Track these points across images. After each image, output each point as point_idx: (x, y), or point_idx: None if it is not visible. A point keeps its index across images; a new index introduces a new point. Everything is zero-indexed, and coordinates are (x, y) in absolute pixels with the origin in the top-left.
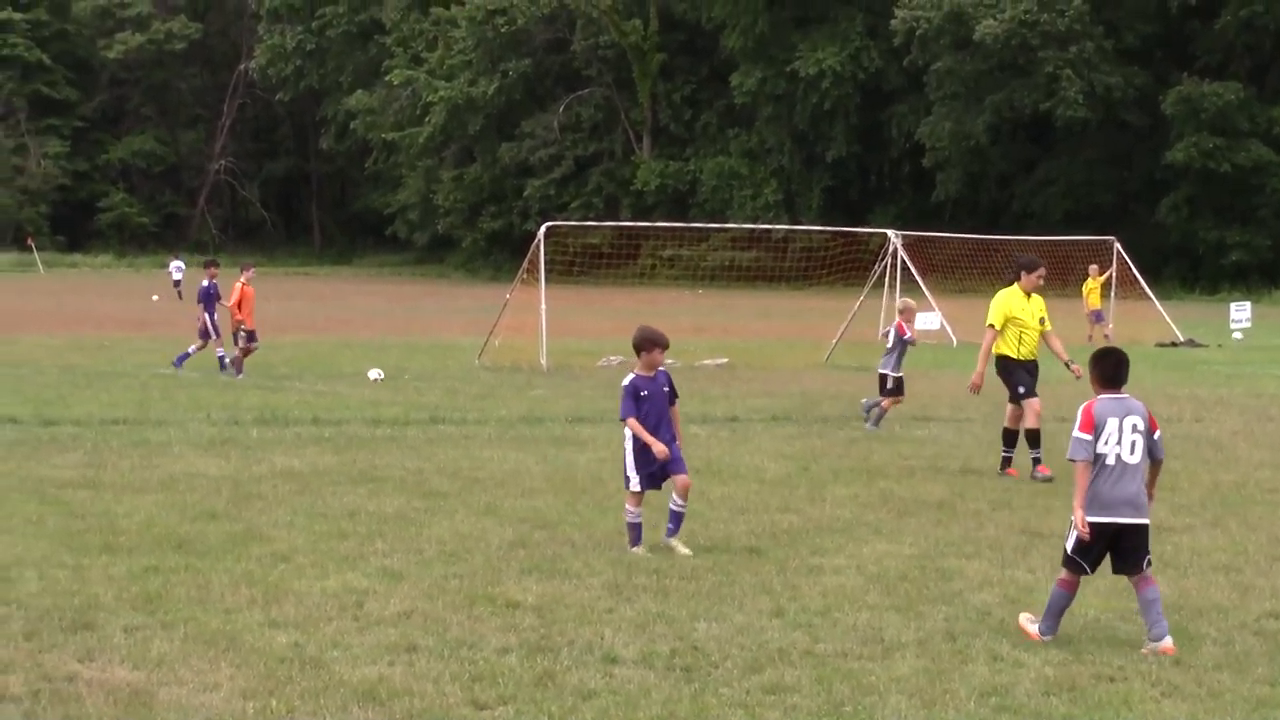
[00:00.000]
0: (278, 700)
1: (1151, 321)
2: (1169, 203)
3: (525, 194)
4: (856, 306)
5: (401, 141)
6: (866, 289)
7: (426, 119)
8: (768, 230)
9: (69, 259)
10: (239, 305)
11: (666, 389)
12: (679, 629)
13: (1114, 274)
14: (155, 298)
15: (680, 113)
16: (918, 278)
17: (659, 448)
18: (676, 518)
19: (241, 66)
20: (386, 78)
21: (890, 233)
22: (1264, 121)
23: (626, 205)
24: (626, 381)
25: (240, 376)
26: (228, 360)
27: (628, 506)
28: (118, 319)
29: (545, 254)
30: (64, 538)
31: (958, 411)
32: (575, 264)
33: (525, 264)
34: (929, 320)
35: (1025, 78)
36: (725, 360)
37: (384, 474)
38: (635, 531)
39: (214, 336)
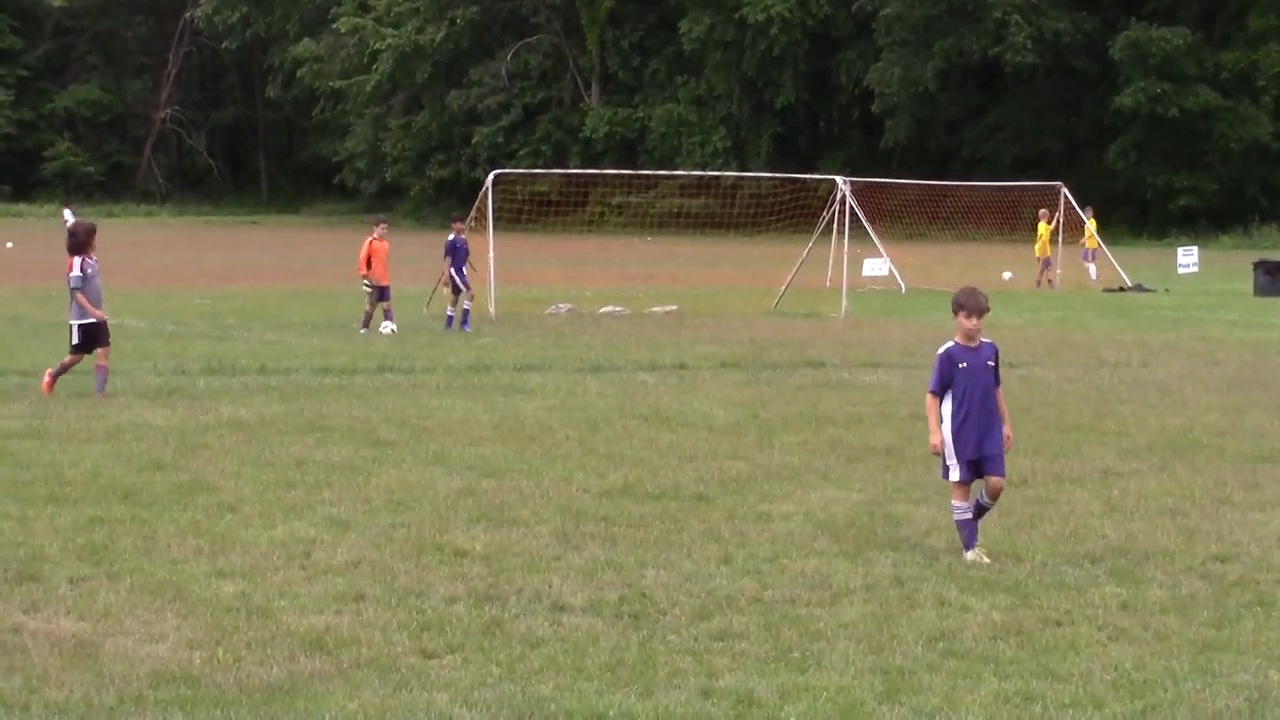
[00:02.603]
0: (224, 650)
1: (1099, 266)
2: (1117, 148)
3: (473, 142)
4: (805, 253)
5: (349, 90)
6: (815, 236)
7: (374, 67)
8: (716, 177)
9: (14, 208)
10: (368, 262)
11: (991, 364)
12: (627, 576)
13: (1061, 219)
14: (9, 244)
15: (629, 60)
16: (866, 224)
17: (935, 439)
18: (979, 509)
19: (187, 14)
20: (334, 25)
21: (839, 179)
22: (1212, 66)
23: (575, 153)
24: (941, 350)
25: (393, 330)
26: (452, 314)
27: (953, 501)
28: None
29: (493, 202)
30: (9, 488)
31: (906, 357)
32: (523, 212)
33: (473, 212)
34: (877, 266)
35: (974, 23)
36: (674, 307)
37: (331, 423)
38: (966, 530)
39: (464, 290)
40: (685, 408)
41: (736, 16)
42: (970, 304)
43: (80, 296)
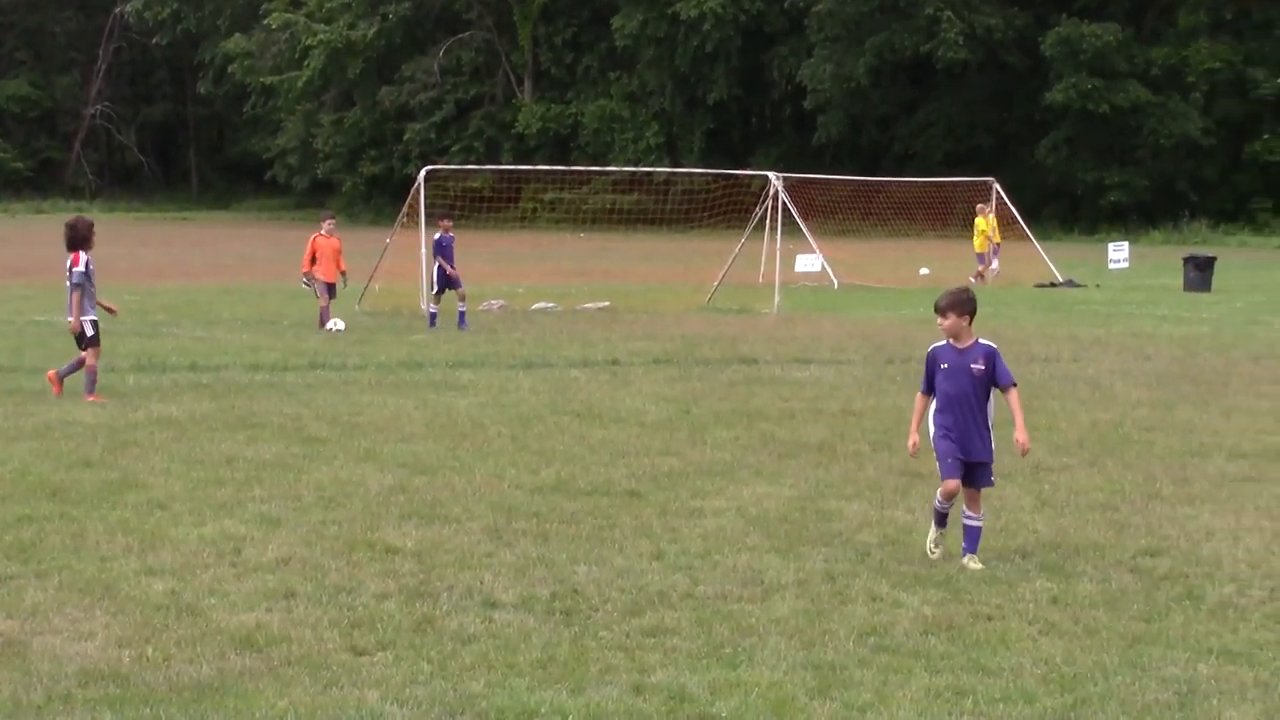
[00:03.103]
0: (154, 648)
1: (1030, 262)
2: (1048, 144)
3: (405, 138)
4: (738, 249)
5: (280, 86)
6: (747, 232)
7: (305, 63)
8: (649, 173)
9: None
10: (312, 258)
11: (978, 368)
12: (559, 573)
13: (993, 215)
14: None
15: (561, 56)
16: (799, 220)
17: (910, 441)
18: (973, 534)
19: (117, 10)
20: (265, 21)
21: (771, 175)
22: (1142, 62)
23: (507, 149)
24: (930, 348)
25: (330, 327)
26: (434, 311)
27: (938, 494)
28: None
29: (425, 198)
30: None
31: (838, 353)
32: (456, 208)
33: (405, 208)
34: (810, 263)
35: (906, 19)
36: (606, 303)
37: (262, 420)
38: (938, 517)
39: (457, 286)
40: (617, 404)
41: (669, 12)
42: (936, 303)
43: (77, 294)
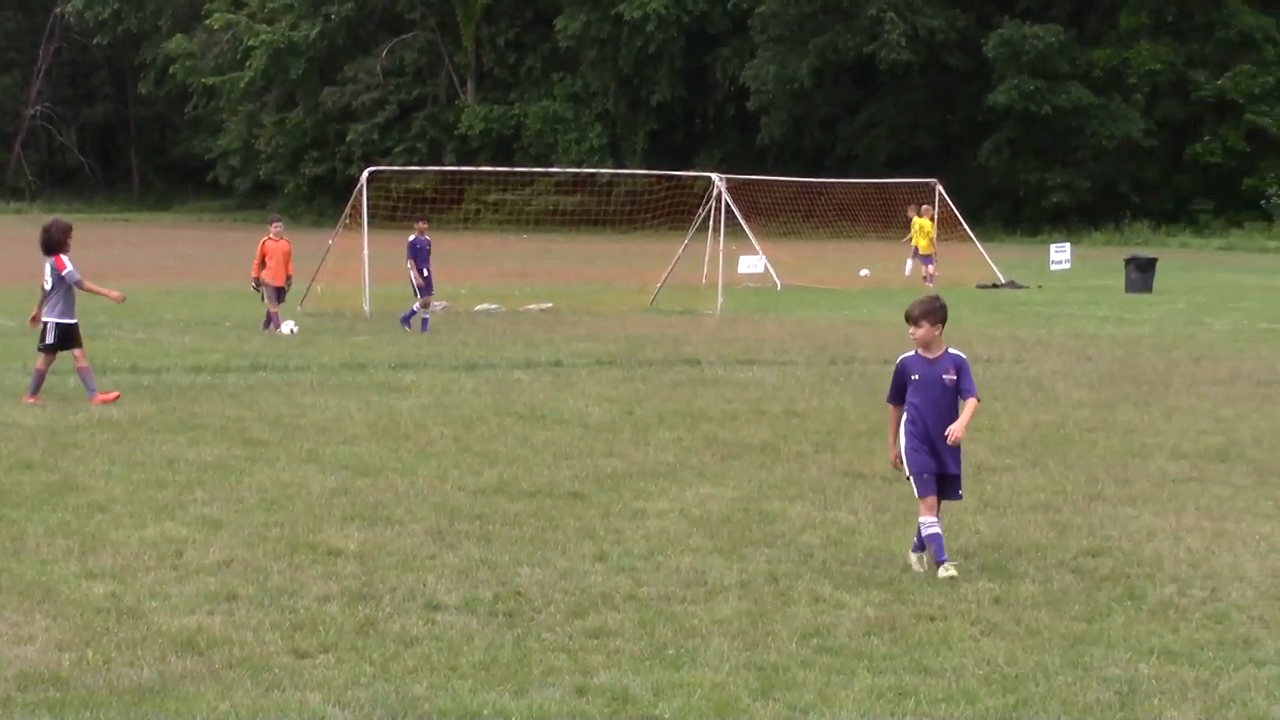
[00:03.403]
0: (94, 651)
1: (973, 263)
2: (991, 145)
3: (348, 139)
4: (681, 250)
5: (222, 86)
6: (691, 233)
7: (248, 63)
8: (592, 174)
9: None
10: (261, 262)
11: (950, 378)
12: (502, 575)
13: (935, 216)
14: None
15: (504, 56)
16: (742, 221)
17: (891, 453)
18: (936, 540)
19: (58, 10)
20: (206, 21)
21: (715, 176)
22: (1084, 64)
23: (450, 150)
24: (899, 358)
25: (274, 329)
26: (415, 312)
27: (919, 516)
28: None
29: (368, 199)
30: None
31: (781, 354)
32: (398, 209)
33: (348, 209)
34: (753, 264)
35: (849, 20)
36: (550, 305)
37: (204, 422)
38: (935, 544)
39: (426, 293)
40: (561, 405)
41: (613, 13)
42: (906, 312)
43: (87, 286)
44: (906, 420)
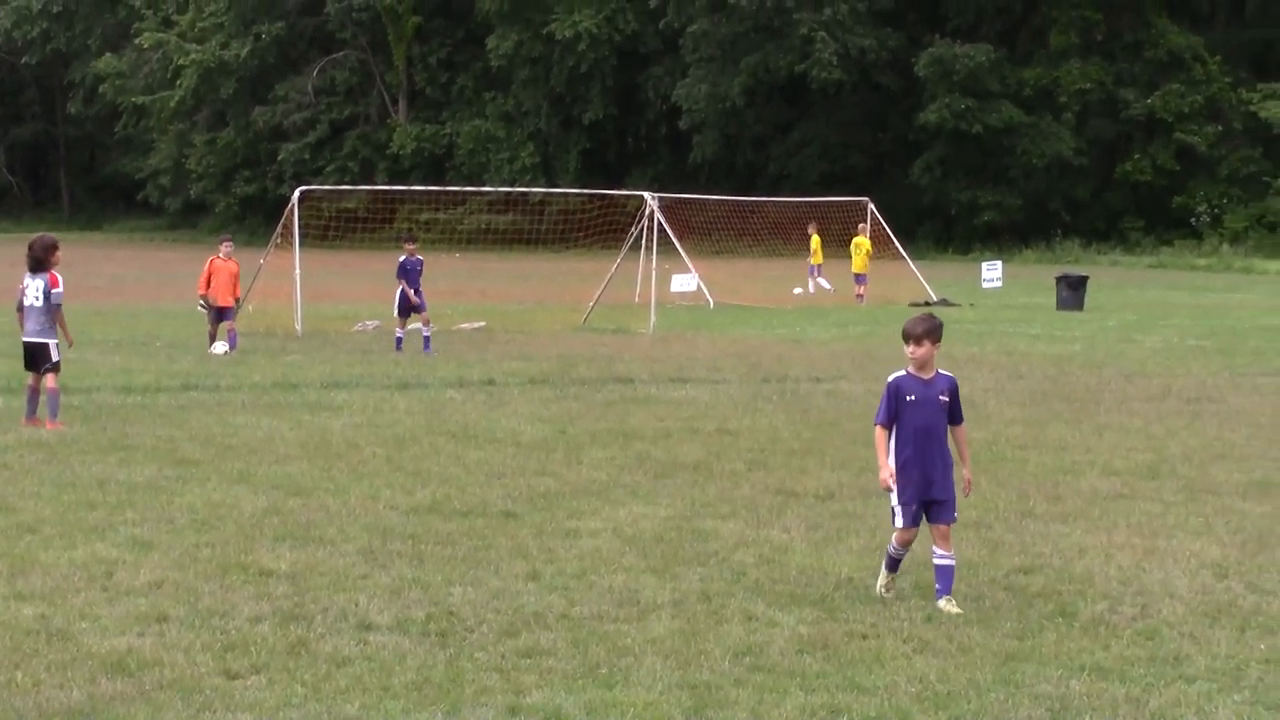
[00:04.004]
0: (23, 673)
1: (905, 281)
2: (922, 163)
3: (279, 158)
4: (614, 269)
5: (152, 106)
6: (623, 251)
7: (178, 83)
8: (525, 193)
9: None
10: (207, 280)
11: (944, 399)
12: (434, 594)
13: (868, 234)
14: None
15: (436, 76)
16: (675, 240)
17: (884, 474)
18: (945, 572)
19: None
20: (136, 40)
21: (647, 195)
22: (1014, 83)
23: (382, 169)
24: (890, 379)
25: (217, 349)
26: (401, 334)
27: (894, 542)
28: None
29: (300, 219)
30: None
31: (714, 372)
32: (330, 228)
33: (279, 229)
34: (686, 282)
35: (780, 40)
36: (482, 324)
37: (135, 442)
38: (891, 562)
39: (418, 311)
40: (493, 424)
41: (544, 32)
42: (906, 329)
43: (60, 314)
44: (897, 446)
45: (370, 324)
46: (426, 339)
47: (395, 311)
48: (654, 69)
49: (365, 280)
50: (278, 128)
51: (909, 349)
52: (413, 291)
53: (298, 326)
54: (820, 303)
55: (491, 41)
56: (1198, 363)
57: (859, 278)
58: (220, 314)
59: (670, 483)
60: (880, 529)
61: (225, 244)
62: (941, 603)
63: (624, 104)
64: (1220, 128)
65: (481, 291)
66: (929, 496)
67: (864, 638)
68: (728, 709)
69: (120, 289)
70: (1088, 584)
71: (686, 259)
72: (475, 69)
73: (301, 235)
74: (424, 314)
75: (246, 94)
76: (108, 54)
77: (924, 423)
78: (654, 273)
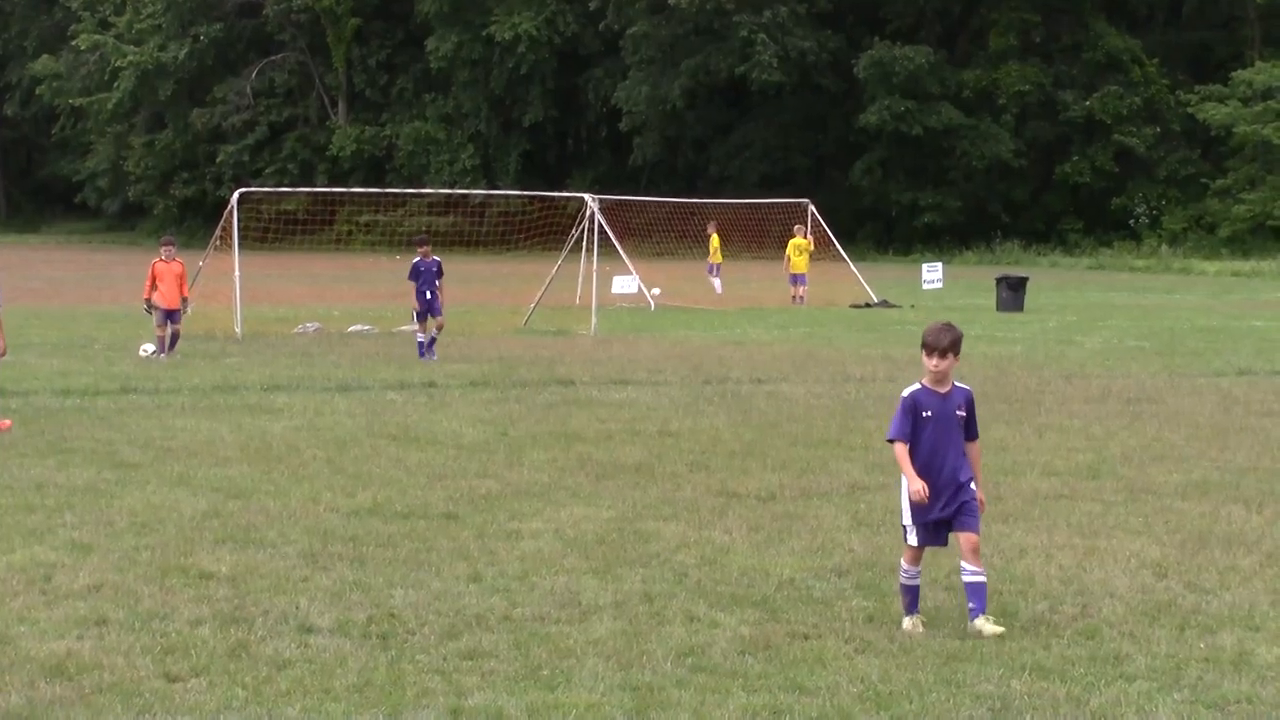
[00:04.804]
0: None
1: (846, 283)
2: (863, 165)
3: (218, 160)
4: (555, 271)
5: (90, 107)
6: (564, 253)
7: (115, 84)
8: (465, 195)
9: None
10: (152, 284)
11: (962, 414)
12: (375, 597)
13: (806, 235)
14: None
15: (376, 78)
16: (615, 242)
17: (915, 486)
18: (976, 591)
19: None
20: (73, 42)
21: (588, 197)
22: (954, 85)
23: (322, 171)
24: (906, 393)
25: (162, 356)
26: (423, 339)
27: (902, 563)
28: None
29: (239, 221)
30: None
31: (655, 374)
32: (270, 230)
33: (219, 231)
34: (626, 284)
35: (720, 42)
36: None
37: (73, 445)
38: (909, 595)
39: (434, 315)
40: (434, 426)
41: (484, 34)
42: (930, 341)
43: None
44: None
45: (310, 326)
46: (431, 342)
47: (414, 317)
48: (594, 71)
49: (305, 282)
50: (216, 129)
51: (932, 361)
52: (427, 294)
53: (237, 329)
54: (723, 304)
55: (431, 43)
56: (1137, 364)
57: (798, 278)
58: (169, 316)
59: (612, 484)
60: (821, 529)
61: (166, 246)
62: (979, 622)
63: (564, 106)
64: (1158, 129)
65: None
66: (944, 514)
67: (806, 638)
68: (670, 710)
69: (58, 291)
70: (1028, 584)
71: (627, 261)
72: (415, 71)
73: (241, 237)
74: (439, 319)
75: (185, 96)
76: (44, 55)
77: (941, 440)
78: (595, 275)
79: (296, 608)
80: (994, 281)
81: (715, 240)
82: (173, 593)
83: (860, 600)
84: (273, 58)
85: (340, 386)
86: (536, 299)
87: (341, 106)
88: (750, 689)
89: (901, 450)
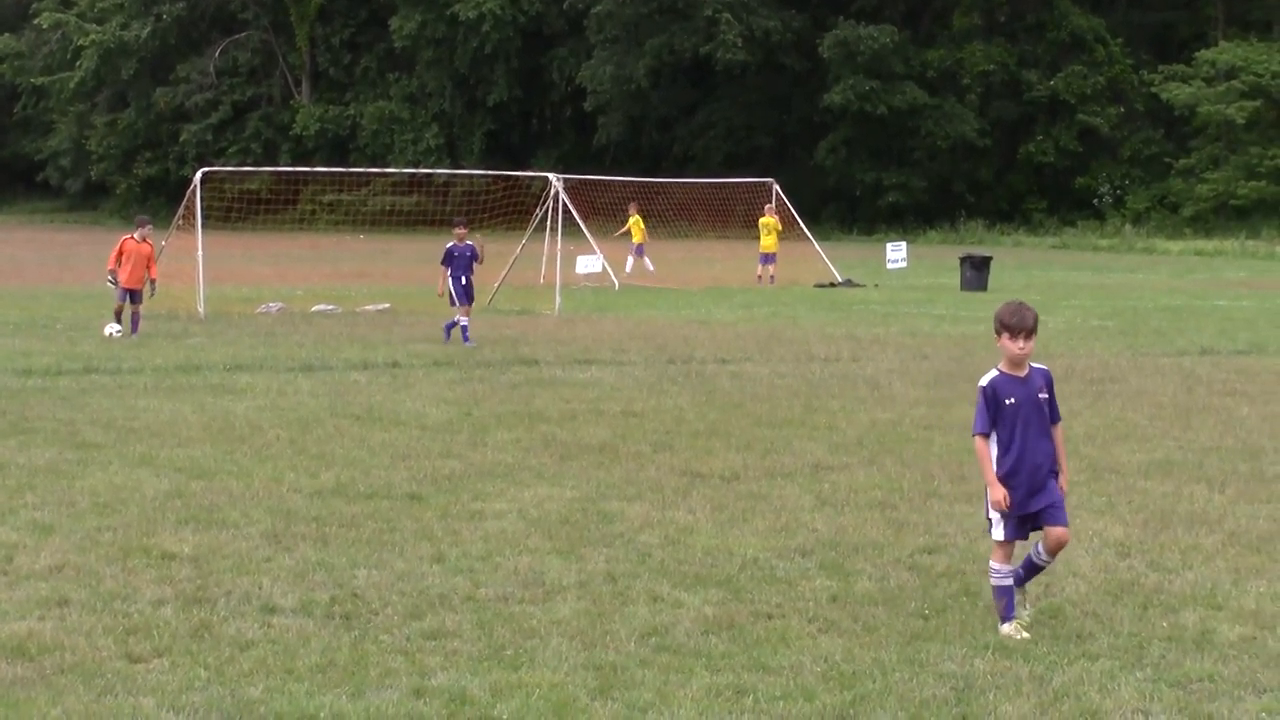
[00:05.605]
0: None
1: (810, 262)
2: (827, 145)
3: (181, 139)
4: (519, 250)
5: (51, 86)
6: (528, 233)
7: (78, 63)
8: (429, 175)
9: None
10: (118, 257)
11: (1044, 396)
12: (338, 577)
13: (774, 214)
14: None
15: (339, 57)
16: (580, 221)
17: (997, 495)
18: (1031, 566)
19: None
20: (35, 21)
21: (552, 176)
22: (918, 64)
23: (285, 150)
24: (984, 382)
25: (117, 329)
26: (458, 321)
27: (991, 563)
28: None
29: (202, 200)
30: None
31: (619, 354)
32: (233, 210)
33: (182, 210)
34: (591, 263)
35: (685, 21)
36: (387, 305)
37: (35, 425)
38: (1005, 598)
39: (464, 301)
40: (398, 406)
41: (448, 13)
42: (1014, 322)
43: None
44: (998, 453)
45: (274, 306)
46: (463, 328)
47: (451, 300)
48: (559, 50)
49: (268, 262)
50: (179, 109)
51: (1018, 344)
52: (463, 280)
53: (200, 309)
54: (643, 282)
55: (395, 22)
56: (1100, 343)
57: (768, 257)
58: (130, 295)
59: (576, 464)
60: (784, 509)
61: (143, 225)
62: (1005, 628)
63: (529, 85)
64: (1122, 109)
65: (386, 273)
66: (1035, 507)
67: (769, 618)
68: (633, 689)
69: (20, 271)
70: None
71: (592, 240)
72: (379, 50)
73: (204, 217)
74: (468, 305)
75: (147, 75)
76: (6, 34)
77: (1026, 425)
78: (559, 254)
79: (259, 588)
80: (958, 261)
81: (638, 220)
82: (135, 573)
83: (824, 580)
84: (236, 36)
85: (304, 366)
86: (500, 278)
87: (305, 85)
88: (714, 668)
89: (983, 446)
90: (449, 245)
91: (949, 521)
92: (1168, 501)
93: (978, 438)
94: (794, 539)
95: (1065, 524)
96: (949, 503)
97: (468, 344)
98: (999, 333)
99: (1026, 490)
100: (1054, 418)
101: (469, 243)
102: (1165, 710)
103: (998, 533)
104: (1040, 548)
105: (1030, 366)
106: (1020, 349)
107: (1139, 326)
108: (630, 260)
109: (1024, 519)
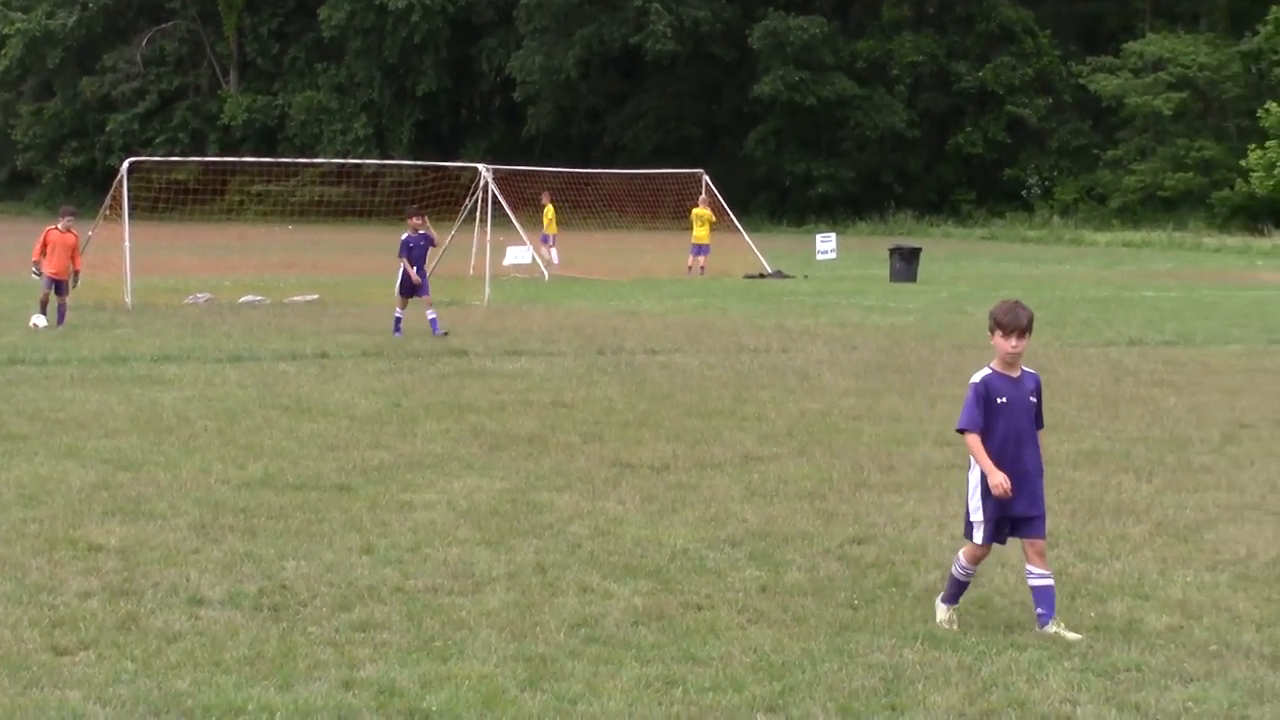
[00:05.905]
0: None
1: (740, 253)
2: (757, 135)
3: (108, 129)
4: (448, 241)
5: None
6: (458, 223)
7: (2, 52)
8: (358, 165)
9: None
10: (42, 249)
11: (1034, 400)
12: (267, 568)
13: (707, 205)
14: None
15: (268, 46)
16: (509, 212)
17: (997, 479)
18: (1044, 596)
19: None
20: None
21: (481, 167)
22: (847, 55)
23: (213, 140)
24: (976, 379)
25: (42, 320)
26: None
27: (960, 558)
28: None
29: (129, 190)
30: None
31: (548, 345)
32: (160, 200)
33: (108, 200)
34: (520, 254)
35: (615, 11)
36: (315, 296)
37: None
38: (955, 588)
39: (423, 293)
40: (326, 397)
41: (377, 3)
42: (1007, 320)
43: None
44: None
45: (201, 297)
46: (433, 321)
47: (396, 290)
48: (488, 40)
49: (196, 252)
50: (106, 98)
51: (1010, 342)
52: (414, 271)
53: (127, 299)
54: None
55: (323, 12)
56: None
57: (700, 248)
58: (55, 285)
59: (505, 455)
60: (714, 500)
61: (65, 216)
62: (1050, 627)
63: (458, 75)
64: (1050, 100)
65: (314, 264)
66: (1016, 512)
67: (699, 609)
68: (563, 681)
69: None
70: (921, 553)
71: (521, 231)
72: (307, 39)
73: (131, 207)
74: (426, 296)
75: (74, 64)
76: None
77: (1015, 428)
78: (488, 245)
79: (187, 580)
80: (887, 252)
81: (550, 211)
82: (61, 565)
83: (753, 570)
84: (163, 25)
85: (231, 357)
86: (430, 269)
87: (233, 75)
88: (643, 659)
89: (975, 441)
90: (404, 236)
91: (878, 512)
92: (1095, 491)
93: (968, 435)
94: (724, 529)
95: (1043, 535)
96: (878, 493)
97: (437, 334)
98: (992, 330)
99: (1015, 491)
100: (1039, 423)
101: (423, 232)
102: (1093, 700)
103: (978, 536)
104: (1029, 569)
105: (1022, 369)
106: (1013, 348)
107: (1067, 317)
108: (554, 251)
109: (1000, 524)
